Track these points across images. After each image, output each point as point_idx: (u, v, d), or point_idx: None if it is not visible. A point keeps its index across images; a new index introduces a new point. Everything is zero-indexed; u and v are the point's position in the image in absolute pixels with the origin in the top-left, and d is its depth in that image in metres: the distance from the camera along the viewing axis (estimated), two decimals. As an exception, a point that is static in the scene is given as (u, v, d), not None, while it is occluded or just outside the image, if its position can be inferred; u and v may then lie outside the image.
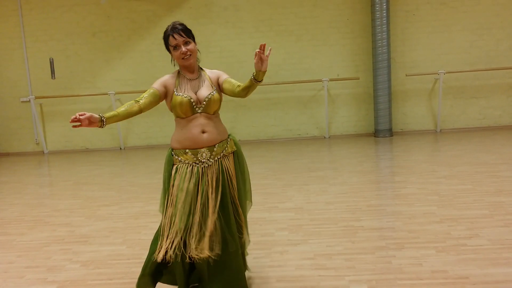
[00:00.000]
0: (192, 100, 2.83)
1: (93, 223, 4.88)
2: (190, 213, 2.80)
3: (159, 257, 2.76)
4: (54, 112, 10.18)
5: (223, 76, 2.95)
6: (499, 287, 2.96)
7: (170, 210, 2.84)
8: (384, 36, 9.06)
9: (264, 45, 2.64)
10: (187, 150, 2.87)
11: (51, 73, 10.04)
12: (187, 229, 2.78)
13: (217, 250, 2.76)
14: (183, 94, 2.84)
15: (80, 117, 2.54)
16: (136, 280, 2.98)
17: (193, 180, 2.83)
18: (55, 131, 10.25)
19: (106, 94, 9.80)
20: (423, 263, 3.38)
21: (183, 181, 2.83)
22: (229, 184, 2.94)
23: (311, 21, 9.60)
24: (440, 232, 3.97)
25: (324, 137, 9.80)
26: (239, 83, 2.86)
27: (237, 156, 3.04)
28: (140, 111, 2.85)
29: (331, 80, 9.48)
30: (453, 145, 8.09)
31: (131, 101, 2.83)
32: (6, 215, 5.40)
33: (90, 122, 2.58)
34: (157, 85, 2.89)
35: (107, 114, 2.68)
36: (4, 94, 10.19)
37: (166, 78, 2.95)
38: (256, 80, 2.72)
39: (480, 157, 6.97)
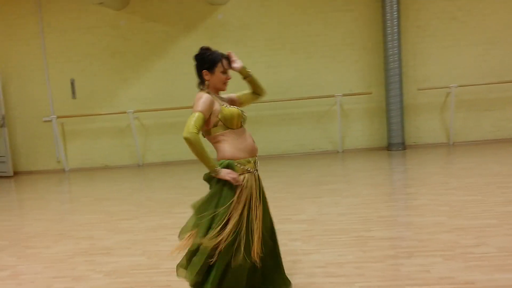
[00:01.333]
0: (243, 113, 3.01)
1: (114, 236, 5.08)
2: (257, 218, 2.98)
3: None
4: (75, 131, 10.51)
5: (234, 94, 3.20)
6: (504, 292, 3.08)
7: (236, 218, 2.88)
8: (396, 52, 9.24)
9: (229, 53, 3.10)
10: (249, 159, 2.97)
11: (72, 93, 10.39)
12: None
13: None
14: (233, 107, 2.98)
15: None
16: None
17: (257, 187, 3.01)
18: (75, 149, 10.57)
19: (125, 112, 10.10)
20: (431, 270, 3.50)
21: (253, 189, 2.97)
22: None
23: (323, 38, 9.83)
24: (449, 241, 4.09)
25: (338, 151, 9.95)
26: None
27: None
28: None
29: (344, 95, 9.66)
30: (465, 158, 8.18)
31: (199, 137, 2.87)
32: (31, 229, 5.64)
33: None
34: (203, 108, 2.92)
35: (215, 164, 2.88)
36: (27, 114, 10.56)
37: (206, 97, 2.95)
38: (244, 77, 3.12)
39: (492, 168, 7.06)
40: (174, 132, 10.15)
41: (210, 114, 2.92)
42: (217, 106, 2.94)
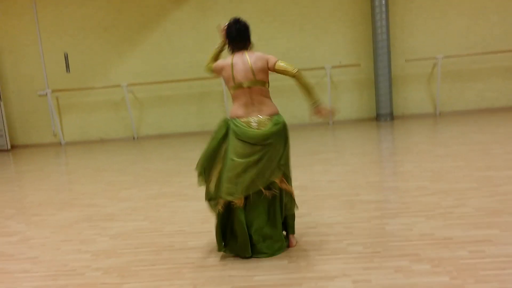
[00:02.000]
0: None
1: (116, 203, 5.35)
2: None
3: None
4: (70, 105, 10.68)
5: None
6: (478, 245, 3.37)
7: None
8: (384, 24, 9.45)
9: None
10: None
11: (66, 67, 10.53)
12: None
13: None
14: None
15: None
16: (158, 250, 3.46)
17: None
18: (71, 122, 10.76)
19: (119, 86, 10.26)
20: (413, 228, 3.81)
21: None
22: None
23: (313, 10, 10.00)
24: (431, 203, 4.39)
25: (328, 123, 10.23)
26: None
27: None
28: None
29: (333, 67, 9.89)
30: (451, 127, 8.50)
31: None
32: (35, 199, 5.90)
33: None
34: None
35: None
36: (21, 88, 10.70)
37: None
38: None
39: (475, 137, 7.38)
40: (169, 104, 10.38)
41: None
42: None
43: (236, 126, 3.45)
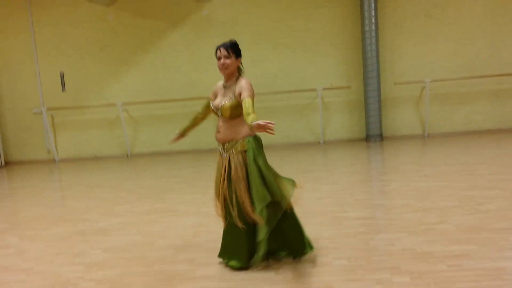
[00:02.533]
0: (212, 107, 3.68)
1: (109, 219, 5.47)
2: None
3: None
4: (65, 122, 10.83)
5: (243, 94, 3.42)
6: (456, 260, 3.53)
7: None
8: (374, 48, 9.71)
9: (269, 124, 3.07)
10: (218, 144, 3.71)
11: (62, 86, 10.70)
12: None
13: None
14: (212, 101, 3.69)
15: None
16: (150, 262, 3.60)
17: (221, 168, 3.67)
18: (65, 140, 10.89)
19: (114, 105, 10.43)
20: (396, 243, 3.96)
21: (220, 168, 3.70)
22: (235, 176, 3.56)
23: (305, 34, 10.26)
24: (414, 220, 4.55)
25: (319, 142, 10.42)
26: (249, 112, 3.26)
27: (249, 155, 3.55)
28: (203, 119, 4.00)
29: (324, 89, 10.12)
30: (438, 148, 8.70)
31: (196, 113, 4.02)
32: (29, 214, 6.00)
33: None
34: (211, 94, 3.79)
35: (181, 129, 4.04)
36: (17, 106, 10.85)
37: (216, 86, 3.77)
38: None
39: (461, 158, 7.58)
40: (162, 123, 10.55)
41: None
42: (212, 96, 3.77)
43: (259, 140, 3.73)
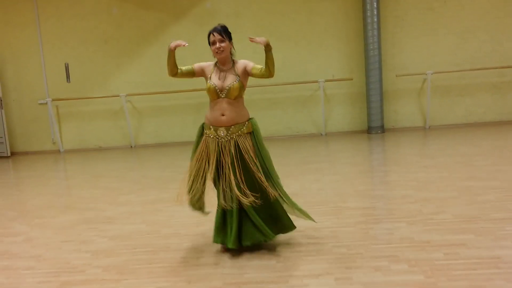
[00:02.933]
0: (216, 88, 3.67)
1: (115, 208, 5.59)
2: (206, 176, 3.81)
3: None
4: (70, 113, 10.95)
5: (250, 65, 3.74)
6: (453, 248, 3.63)
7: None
8: (375, 40, 9.77)
9: (250, 38, 3.62)
10: (210, 126, 3.74)
11: (67, 77, 10.81)
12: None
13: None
14: (211, 82, 3.67)
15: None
16: (155, 250, 3.91)
17: (216, 151, 3.73)
18: (70, 131, 11.02)
19: (118, 96, 10.54)
20: (394, 233, 4.06)
21: (212, 152, 3.75)
22: (248, 157, 3.71)
23: (308, 27, 10.33)
24: (413, 210, 4.66)
25: (321, 134, 10.51)
26: (261, 66, 3.67)
27: (255, 136, 3.78)
28: (176, 74, 3.83)
29: (326, 81, 10.21)
30: (439, 140, 8.79)
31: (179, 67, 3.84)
32: (37, 202, 6.13)
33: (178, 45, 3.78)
34: (196, 65, 3.84)
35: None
36: (22, 97, 10.97)
37: (206, 64, 3.83)
38: (266, 50, 3.57)
39: (461, 149, 7.67)
40: (166, 114, 10.66)
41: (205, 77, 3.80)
42: (206, 75, 3.78)
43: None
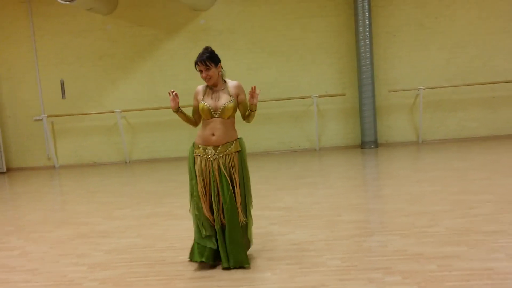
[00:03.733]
0: (210, 108, 3.75)
1: (110, 222, 5.61)
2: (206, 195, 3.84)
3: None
4: (65, 130, 10.98)
5: (242, 97, 3.88)
6: (446, 260, 3.68)
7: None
8: (368, 56, 9.90)
9: (254, 87, 3.73)
10: (199, 145, 3.81)
11: (62, 94, 10.86)
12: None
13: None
14: (205, 102, 3.75)
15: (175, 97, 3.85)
16: (151, 263, 3.95)
17: (206, 171, 3.80)
18: (65, 147, 11.03)
19: (112, 112, 10.59)
20: (388, 245, 4.11)
21: (200, 172, 3.81)
22: (231, 175, 3.80)
23: (301, 42, 10.45)
24: (406, 223, 4.71)
25: (315, 149, 10.58)
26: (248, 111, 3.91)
27: (241, 156, 3.88)
28: (196, 124, 4.00)
29: (320, 96, 10.30)
30: (431, 154, 8.88)
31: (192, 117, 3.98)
32: (33, 217, 6.13)
33: (175, 102, 3.85)
34: (194, 101, 3.90)
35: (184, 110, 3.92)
36: (18, 113, 11.00)
37: (197, 90, 3.91)
38: (250, 110, 3.85)
39: (454, 164, 7.75)
40: (160, 130, 10.71)
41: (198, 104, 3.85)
42: (199, 98, 3.85)
43: None
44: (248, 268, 3.80)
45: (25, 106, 10.96)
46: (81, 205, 6.69)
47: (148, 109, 10.53)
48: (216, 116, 3.77)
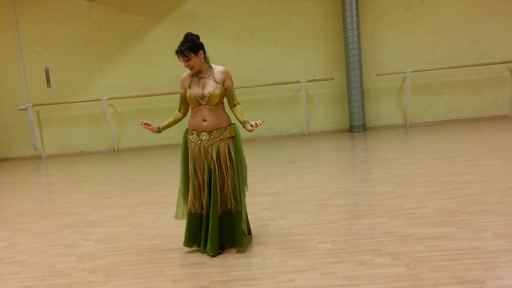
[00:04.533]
0: (197, 96, 3.75)
1: (99, 211, 5.58)
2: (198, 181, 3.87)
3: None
4: (50, 118, 10.85)
5: (228, 83, 3.85)
6: (435, 241, 3.71)
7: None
8: (355, 40, 9.89)
9: (260, 122, 3.72)
10: (193, 131, 3.82)
11: (47, 82, 10.72)
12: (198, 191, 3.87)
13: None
14: (191, 91, 3.74)
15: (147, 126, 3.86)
16: (141, 251, 3.96)
17: (200, 156, 3.82)
18: (51, 136, 10.92)
19: (99, 100, 10.49)
20: (377, 227, 4.13)
21: (193, 158, 3.83)
22: (226, 161, 3.81)
23: (288, 27, 10.41)
24: (395, 205, 4.74)
25: (304, 134, 10.59)
26: (235, 103, 3.92)
27: (235, 141, 3.87)
28: (184, 115, 4.00)
29: (308, 81, 10.29)
30: (419, 137, 8.93)
31: (176, 111, 3.99)
32: (19, 208, 6.08)
33: (152, 128, 3.90)
34: (180, 89, 3.90)
35: (162, 124, 3.97)
36: (2, 102, 10.85)
37: (183, 77, 3.89)
38: (243, 126, 3.81)
39: (441, 146, 7.80)
40: (149, 118, 10.54)
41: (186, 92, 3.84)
42: (186, 85, 3.84)
43: None
44: (213, 255, 3.81)
45: (9, 95, 10.82)
46: (69, 195, 6.64)
47: (135, 96, 10.45)
48: (204, 103, 3.76)
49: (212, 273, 3.51)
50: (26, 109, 10.63)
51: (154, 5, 10.47)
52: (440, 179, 5.63)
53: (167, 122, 3.96)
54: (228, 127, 3.85)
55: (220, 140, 3.81)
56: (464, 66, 10.13)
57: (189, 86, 3.79)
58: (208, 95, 3.73)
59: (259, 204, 5.26)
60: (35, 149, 10.96)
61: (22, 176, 8.74)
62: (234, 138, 3.88)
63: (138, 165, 8.77)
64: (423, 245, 3.63)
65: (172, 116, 3.98)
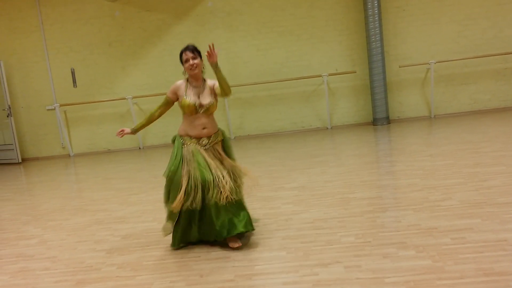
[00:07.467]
0: (196, 105, 3.92)
1: (126, 207, 5.69)
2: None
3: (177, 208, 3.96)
4: (78, 118, 11.09)
5: (216, 85, 3.96)
6: (460, 233, 3.69)
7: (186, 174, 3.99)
8: (377, 31, 9.81)
9: (211, 44, 3.70)
10: (191, 138, 4.02)
11: (73, 82, 10.95)
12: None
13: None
14: (189, 99, 3.90)
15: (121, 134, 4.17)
16: (167, 246, 4.10)
17: (198, 155, 3.96)
18: (79, 135, 11.16)
19: (124, 98, 10.65)
20: (402, 220, 4.13)
21: (197, 155, 3.97)
22: (223, 156, 4.09)
23: (309, 20, 10.38)
24: (419, 198, 4.71)
25: (327, 128, 10.57)
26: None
27: (225, 142, 4.18)
28: (159, 116, 4.21)
29: (330, 74, 10.26)
30: (444, 128, 8.82)
31: (152, 111, 4.19)
32: (50, 206, 6.24)
33: (127, 132, 4.21)
34: (169, 93, 4.07)
35: (136, 126, 4.27)
36: (31, 103, 11.12)
37: (178, 84, 4.03)
38: (215, 72, 3.74)
39: (466, 137, 7.70)
40: (172, 114, 10.65)
41: (179, 99, 4.01)
42: (181, 93, 3.98)
43: None
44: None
45: (38, 96, 11.09)
46: (97, 192, 6.79)
47: (159, 94, 10.56)
48: (201, 112, 3.96)
49: (237, 267, 3.55)
50: (54, 109, 10.88)
51: (175, 3, 10.57)
52: (466, 170, 5.57)
53: (142, 123, 4.23)
54: (219, 131, 4.14)
55: (216, 143, 4.09)
56: (490, 55, 9.96)
57: (186, 94, 3.95)
58: (207, 105, 3.94)
59: (282, 199, 5.29)
60: (63, 148, 11.21)
61: (51, 174, 8.95)
62: (224, 140, 4.17)
63: (163, 162, 8.80)
64: (448, 238, 3.61)
65: (147, 117, 4.22)
